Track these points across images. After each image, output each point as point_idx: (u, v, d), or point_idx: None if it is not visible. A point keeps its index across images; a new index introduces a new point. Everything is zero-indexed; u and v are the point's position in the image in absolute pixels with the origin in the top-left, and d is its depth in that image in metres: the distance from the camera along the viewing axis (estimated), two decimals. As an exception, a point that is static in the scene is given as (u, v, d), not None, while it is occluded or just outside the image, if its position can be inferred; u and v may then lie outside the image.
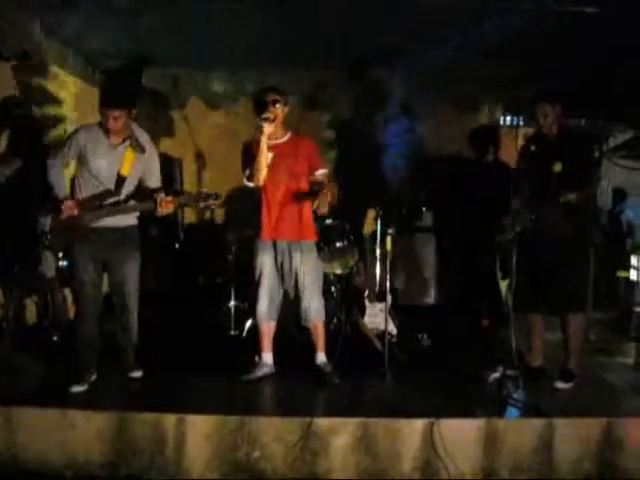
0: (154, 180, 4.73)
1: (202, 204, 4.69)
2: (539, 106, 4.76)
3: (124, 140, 4.60)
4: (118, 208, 4.61)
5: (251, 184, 4.77)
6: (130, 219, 4.73)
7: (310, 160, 4.84)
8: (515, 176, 4.93)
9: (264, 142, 4.66)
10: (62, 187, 4.65)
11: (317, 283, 4.93)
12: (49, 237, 4.69)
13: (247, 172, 4.77)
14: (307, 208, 4.85)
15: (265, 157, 4.69)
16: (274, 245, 4.82)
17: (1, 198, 5.97)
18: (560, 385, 4.72)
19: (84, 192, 4.62)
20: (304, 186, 4.83)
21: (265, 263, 4.84)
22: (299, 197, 4.78)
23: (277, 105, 4.71)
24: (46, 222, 4.77)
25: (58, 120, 6.56)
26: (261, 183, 4.75)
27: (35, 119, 6.35)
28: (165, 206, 4.52)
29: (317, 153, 4.94)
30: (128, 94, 4.83)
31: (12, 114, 6.14)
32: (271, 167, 4.74)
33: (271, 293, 4.87)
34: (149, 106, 7.46)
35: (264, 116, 4.64)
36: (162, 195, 4.58)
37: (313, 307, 4.85)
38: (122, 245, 4.67)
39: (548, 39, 5.69)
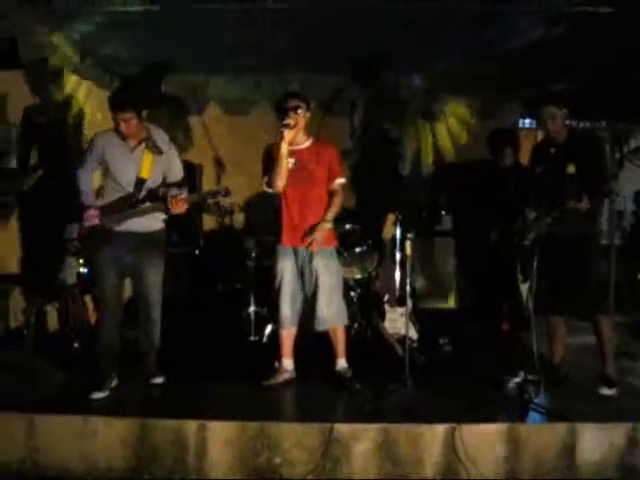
0: (176, 178, 4.76)
1: (211, 200, 4.68)
2: (545, 110, 4.69)
3: (140, 142, 4.62)
4: (134, 211, 4.62)
5: (270, 190, 4.77)
6: (156, 223, 4.74)
7: (330, 167, 4.83)
8: (529, 181, 4.91)
9: (284, 148, 4.65)
10: (88, 194, 4.71)
11: (336, 288, 4.90)
12: (75, 244, 4.73)
13: (266, 178, 4.78)
14: (326, 211, 4.84)
15: (285, 163, 4.69)
16: (294, 251, 4.82)
17: (26, 205, 6.05)
18: (605, 391, 4.60)
19: (107, 198, 4.67)
20: (324, 192, 4.84)
21: (286, 268, 4.83)
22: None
23: (299, 111, 4.70)
24: (74, 229, 4.83)
25: (76, 126, 6.62)
26: (280, 189, 4.75)
27: (57, 126, 6.40)
28: (176, 205, 4.54)
29: (338, 160, 4.92)
30: (136, 96, 4.83)
31: (35, 122, 6.20)
32: (292, 173, 4.74)
33: (292, 298, 4.86)
34: (168, 113, 7.48)
35: (285, 122, 4.64)
36: (174, 192, 4.60)
37: (328, 311, 4.81)
38: (146, 250, 4.68)
39: (564, 40, 5.65)
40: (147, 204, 4.64)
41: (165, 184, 4.70)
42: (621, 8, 5.06)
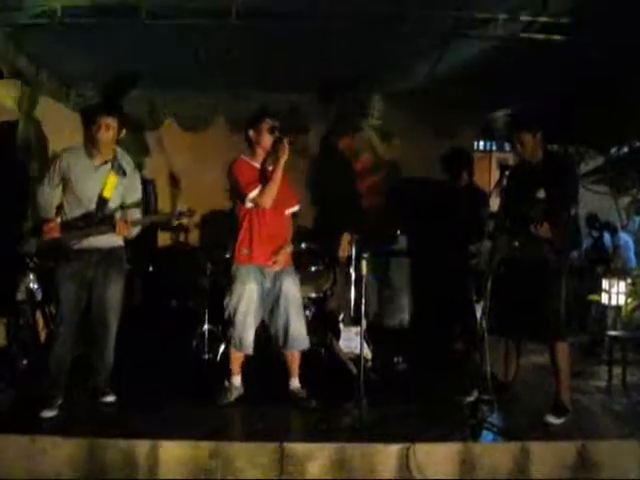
0: (132, 202, 4.72)
1: (175, 220, 4.69)
2: (517, 135, 4.69)
3: (106, 162, 4.60)
4: (91, 231, 4.57)
5: (253, 205, 4.74)
6: (116, 240, 4.69)
7: (289, 191, 4.95)
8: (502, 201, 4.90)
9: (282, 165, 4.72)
10: (48, 209, 4.65)
11: (302, 308, 4.94)
12: (34, 259, 4.66)
13: (255, 192, 4.71)
14: (289, 234, 4.95)
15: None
16: (261, 270, 4.79)
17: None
18: (552, 420, 4.55)
19: (69, 214, 4.62)
20: (287, 215, 4.94)
21: (253, 290, 4.76)
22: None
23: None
24: (32, 244, 4.75)
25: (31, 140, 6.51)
26: (270, 206, 4.74)
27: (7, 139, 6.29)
28: (121, 228, 4.53)
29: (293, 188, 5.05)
30: (121, 108, 4.83)
31: None
32: None
33: (256, 323, 4.82)
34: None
35: (291, 140, 4.71)
36: (122, 216, 4.59)
37: (302, 334, 4.85)
38: (106, 266, 4.64)
39: (520, 65, 5.75)
40: (103, 226, 4.59)
41: (121, 206, 4.66)
42: (575, 37, 5.18)
